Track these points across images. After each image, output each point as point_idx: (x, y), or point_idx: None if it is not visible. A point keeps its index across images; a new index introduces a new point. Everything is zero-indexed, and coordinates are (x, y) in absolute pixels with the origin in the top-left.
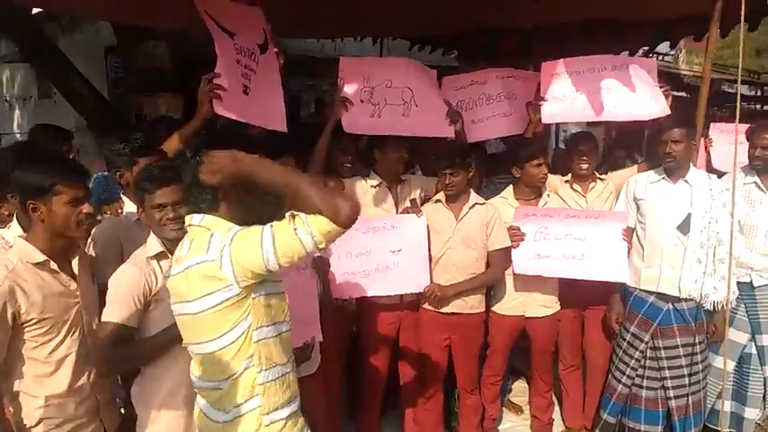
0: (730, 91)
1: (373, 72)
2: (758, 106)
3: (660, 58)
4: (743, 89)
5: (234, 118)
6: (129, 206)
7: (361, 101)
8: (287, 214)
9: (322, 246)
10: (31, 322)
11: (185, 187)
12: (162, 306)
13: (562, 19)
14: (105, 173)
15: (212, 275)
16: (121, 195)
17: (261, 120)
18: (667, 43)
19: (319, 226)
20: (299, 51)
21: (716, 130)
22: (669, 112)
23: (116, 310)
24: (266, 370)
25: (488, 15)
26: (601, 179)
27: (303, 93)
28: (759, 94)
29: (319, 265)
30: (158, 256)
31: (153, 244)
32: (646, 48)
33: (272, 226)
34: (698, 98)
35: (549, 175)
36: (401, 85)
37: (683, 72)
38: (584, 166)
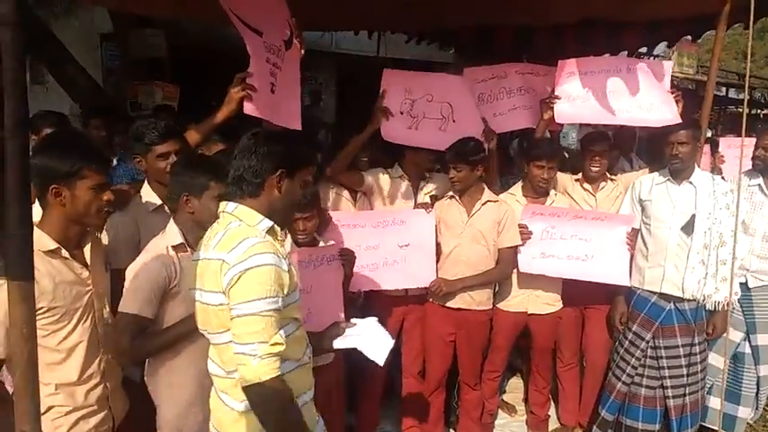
0: (718, 93)
1: (415, 85)
2: (747, 110)
3: (653, 58)
4: (730, 92)
5: (261, 117)
6: (149, 193)
7: (401, 112)
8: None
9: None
10: (40, 310)
11: (234, 170)
12: (179, 297)
13: (558, 18)
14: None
15: (219, 276)
16: (145, 183)
17: (280, 118)
18: (663, 44)
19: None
20: None
21: (724, 144)
22: (680, 119)
23: (136, 301)
24: None
25: (485, 13)
26: (611, 179)
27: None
28: (748, 97)
29: (346, 257)
30: (177, 248)
31: (173, 233)
32: (644, 48)
33: (264, 311)
34: (692, 100)
35: (559, 174)
36: (442, 99)
37: (674, 74)
38: (596, 168)
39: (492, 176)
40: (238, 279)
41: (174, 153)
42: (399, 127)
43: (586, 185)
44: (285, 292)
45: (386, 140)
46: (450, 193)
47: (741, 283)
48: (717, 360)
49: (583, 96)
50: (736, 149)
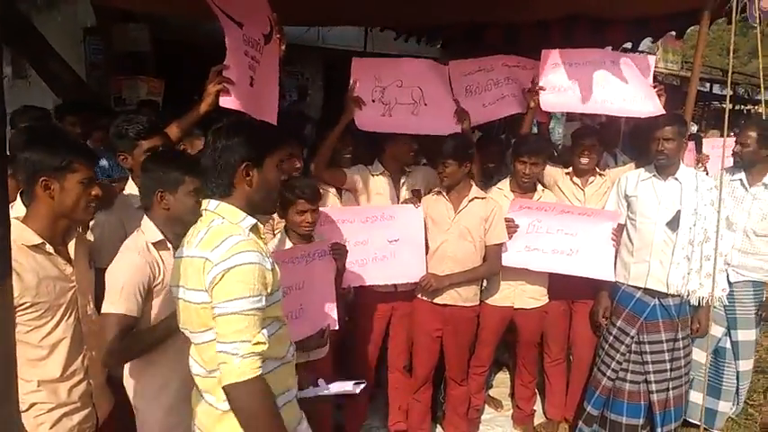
0: (702, 89)
1: (384, 72)
2: (731, 106)
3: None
4: (714, 88)
5: (239, 110)
6: (134, 190)
7: (373, 100)
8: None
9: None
10: (23, 306)
11: (203, 171)
12: (162, 295)
13: (544, 14)
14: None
15: (203, 274)
16: (130, 179)
17: (257, 112)
18: (648, 40)
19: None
20: None
21: (708, 145)
22: (663, 110)
23: (120, 301)
24: None
25: (471, 11)
26: (600, 174)
27: (285, 79)
28: (732, 93)
29: (338, 251)
30: (158, 245)
31: (151, 230)
32: (629, 44)
33: (247, 310)
34: (676, 96)
35: (549, 167)
36: (411, 84)
37: (658, 70)
38: (585, 160)
39: (475, 167)
40: (221, 278)
41: (162, 147)
42: (373, 115)
43: (576, 179)
44: (268, 291)
45: (368, 137)
46: (438, 189)
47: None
48: (699, 355)
49: (567, 87)
50: (720, 149)
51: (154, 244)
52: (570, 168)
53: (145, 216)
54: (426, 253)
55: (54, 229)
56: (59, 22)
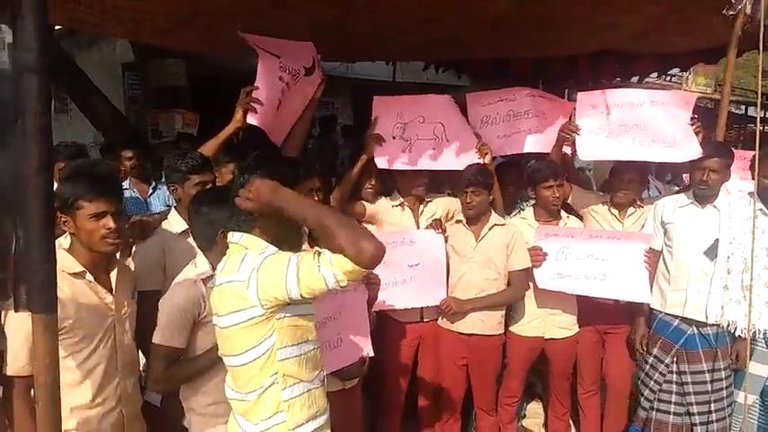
0: (737, 112)
1: (406, 109)
2: (766, 127)
3: (668, 78)
4: (750, 110)
5: (260, 126)
6: (176, 219)
7: (393, 137)
8: (313, 250)
9: (344, 284)
10: (62, 331)
11: (230, 206)
12: (209, 325)
13: (573, 51)
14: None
15: (240, 295)
16: (174, 209)
17: (272, 132)
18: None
19: (342, 265)
20: None
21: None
22: (702, 153)
23: (168, 333)
24: (291, 386)
25: (500, 48)
26: (640, 206)
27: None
28: (765, 115)
29: (372, 279)
30: (207, 280)
31: (204, 266)
32: (656, 72)
33: (298, 257)
34: (709, 119)
35: (587, 195)
36: (433, 120)
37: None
38: (621, 195)
39: (496, 196)
40: (260, 269)
41: (211, 183)
42: (394, 151)
43: (614, 210)
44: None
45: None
46: (457, 218)
47: None
48: (740, 396)
49: (605, 131)
50: (738, 161)
51: (203, 279)
52: (608, 198)
53: (201, 253)
54: (449, 282)
55: (92, 258)
56: (99, 59)
